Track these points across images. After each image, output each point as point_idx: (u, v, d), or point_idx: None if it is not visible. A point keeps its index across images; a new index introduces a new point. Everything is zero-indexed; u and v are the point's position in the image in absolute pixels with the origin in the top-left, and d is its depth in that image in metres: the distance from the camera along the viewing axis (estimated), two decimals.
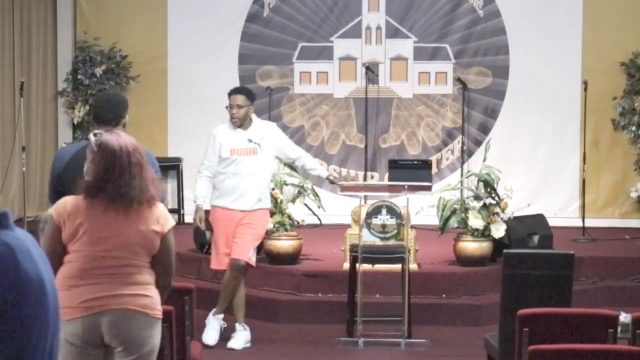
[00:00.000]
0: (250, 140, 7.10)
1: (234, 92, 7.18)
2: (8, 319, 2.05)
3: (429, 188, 7.69)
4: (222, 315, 7.28)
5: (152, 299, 4.11)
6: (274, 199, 8.26)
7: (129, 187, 4.00)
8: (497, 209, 8.23)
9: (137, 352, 4.08)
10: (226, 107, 7.16)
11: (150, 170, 4.10)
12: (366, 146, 10.80)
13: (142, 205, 4.05)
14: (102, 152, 4.03)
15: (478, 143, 10.85)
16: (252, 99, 7.16)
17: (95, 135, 4.14)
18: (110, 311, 3.97)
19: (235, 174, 7.12)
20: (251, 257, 7.16)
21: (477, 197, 8.32)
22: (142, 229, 4.05)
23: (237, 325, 7.25)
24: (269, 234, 8.37)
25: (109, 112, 5.23)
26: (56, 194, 4.76)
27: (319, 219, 8.93)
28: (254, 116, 7.22)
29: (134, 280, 4.07)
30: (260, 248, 8.58)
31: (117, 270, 4.04)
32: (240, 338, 7.22)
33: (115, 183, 4.00)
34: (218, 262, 7.22)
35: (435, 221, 8.43)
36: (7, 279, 2.06)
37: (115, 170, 4.00)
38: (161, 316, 4.17)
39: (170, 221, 4.16)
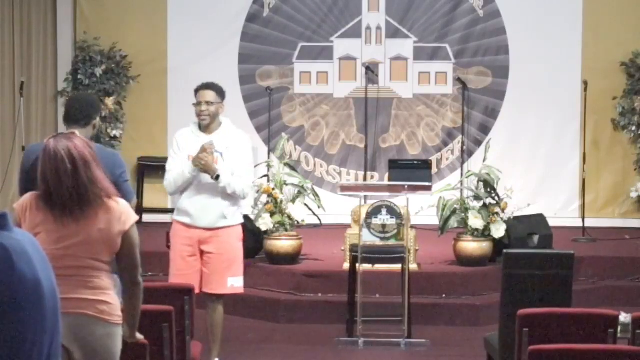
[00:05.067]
0: None
1: (202, 87, 6.37)
2: (2, 321, 2.03)
3: (429, 188, 7.69)
4: None
5: (111, 305, 4.06)
6: (274, 199, 8.25)
7: (65, 192, 3.95)
8: (497, 209, 8.23)
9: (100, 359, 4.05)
10: (193, 104, 6.34)
11: (92, 169, 4.00)
12: (366, 146, 10.79)
13: (97, 205, 3.99)
14: (40, 159, 4.02)
15: (478, 143, 10.84)
16: (223, 96, 6.35)
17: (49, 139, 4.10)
18: (68, 314, 3.83)
19: (192, 186, 6.24)
20: (234, 285, 6.34)
21: (477, 197, 8.31)
22: (103, 227, 4.00)
23: None
24: (269, 234, 8.37)
25: (77, 112, 5.15)
26: (25, 190, 4.70)
27: (319, 219, 8.92)
28: (227, 121, 6.34)
29: (93, 284, 4.02)
30: (260, 248, 8.58)
31: (76, 271, 3.99)
32: None
33: (53, 191, 3.97)
34: (174, 280, 6.29)
35: (435, 221, 8.43)
36: (1, 281, 2.04)
37: (48, 178, 3.98)
38: (121, 322, 4.11)
39: (132, 217, 4.09)
